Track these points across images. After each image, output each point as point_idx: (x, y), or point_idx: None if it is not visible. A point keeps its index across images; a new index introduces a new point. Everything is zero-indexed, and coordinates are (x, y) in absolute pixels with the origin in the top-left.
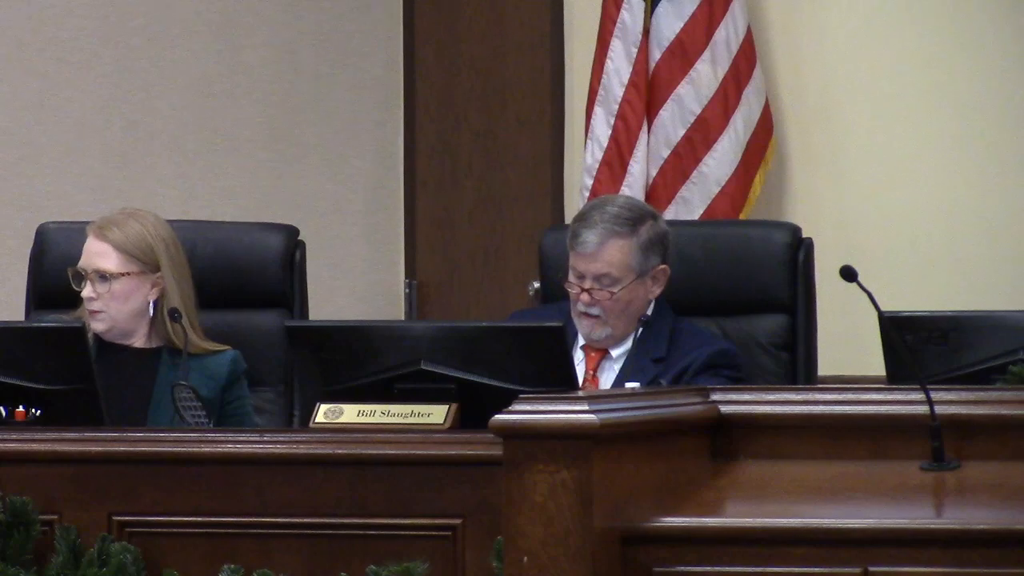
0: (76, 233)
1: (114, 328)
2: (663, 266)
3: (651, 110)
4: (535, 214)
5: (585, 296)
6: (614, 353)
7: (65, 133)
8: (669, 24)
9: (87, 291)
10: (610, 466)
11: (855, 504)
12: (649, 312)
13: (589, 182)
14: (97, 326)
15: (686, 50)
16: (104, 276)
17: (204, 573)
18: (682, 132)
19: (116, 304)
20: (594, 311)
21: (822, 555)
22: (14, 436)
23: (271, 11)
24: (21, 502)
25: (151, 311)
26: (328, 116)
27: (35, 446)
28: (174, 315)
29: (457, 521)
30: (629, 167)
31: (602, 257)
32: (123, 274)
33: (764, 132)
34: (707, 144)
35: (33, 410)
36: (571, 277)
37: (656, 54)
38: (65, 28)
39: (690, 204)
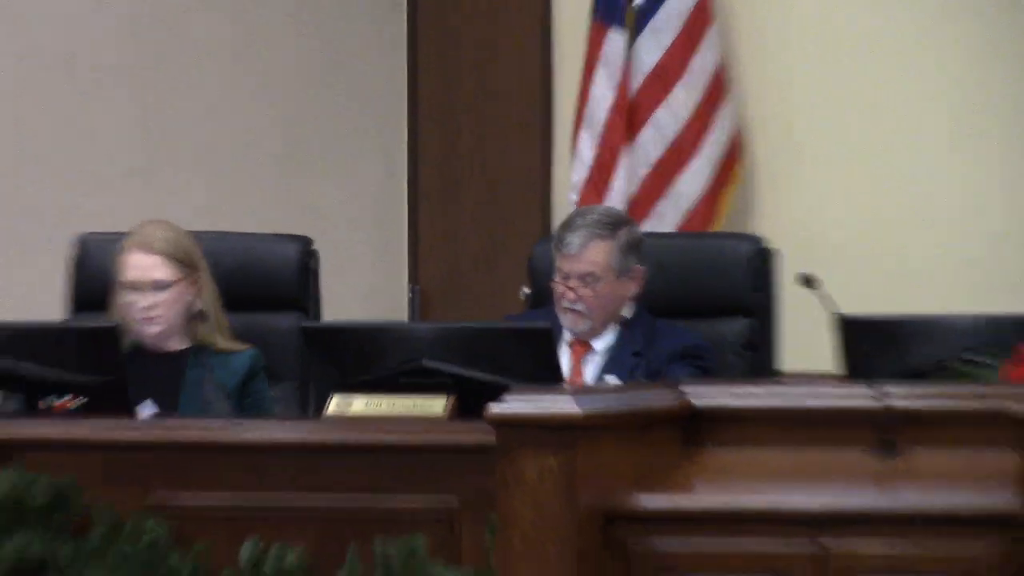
0: (111, 244)
1: (166, 330)
2: (639, 267)
3: (631, 132)
4: (526, 226)
5: (570, 293)
6: (597, 347)
7: (95, 150)
8: (649, 54)
9: (146, 301)
10: (592, 452)
11: (810, 487)
12: (629, 312)
13: (575, 198)
14: (153, 330)
15: (664, 78)
16: (160, 285)
17: (229, 548)
18: (659, 153)
19: (169, 309)
20: (578, 307)
21: (780, 532)
22: (57, 425)
23: (284, 40)
24: (63, 484)
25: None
26: (337, 136)
27: (75, 434)
28: (202, 316)
29: (455, 501)
30: (611, 184)
31: (585, 258)
32: (175, 281)
33: (733, 154)
34: (681, 164)
35: (73, 401)
36: (556, 277)
37: (636, 81)
38: (99, 54)
39: (665, 218)
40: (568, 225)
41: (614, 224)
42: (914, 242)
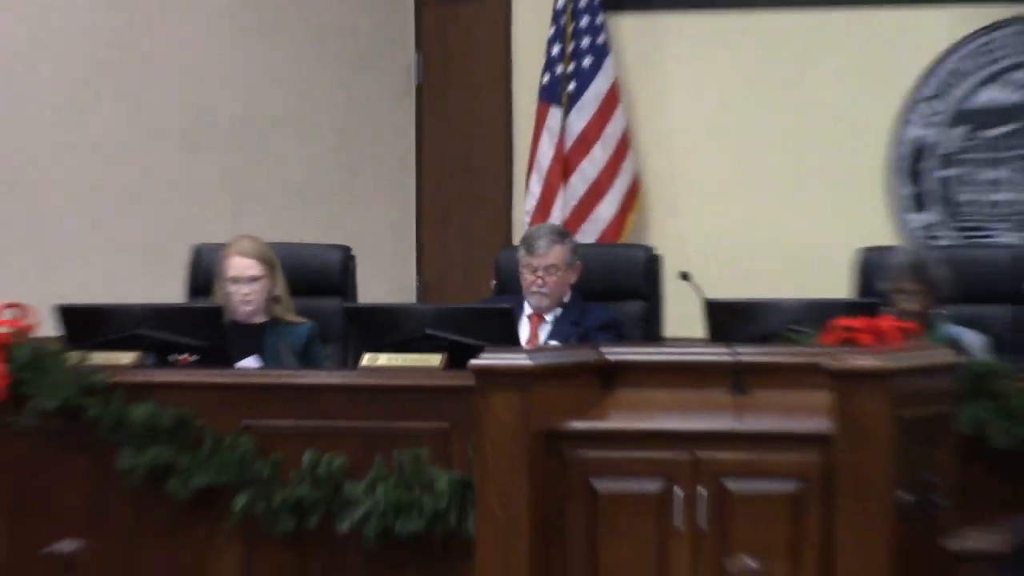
0: (217, 250)
1: (254, 309)
2: (579, 263)
3: (565, 177)
4: (495, 239)
5: (538, 281)
6: (548, 319)
7: (200, 173)
8: (577, 124)
9: (245, 289)
10: (539, 391)
11: (687, 415)
12: (568, 296)
13: (527, 220)
14: (247, 308)
15: (586, 140)
16: (253, 279)
17: (295, 456)
18: (583, 191)
19: (258, 295)
20: (543, 290)
21: (666, 446)
22: (179, 373)
23: (333, 116)
24: (183, 413)
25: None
26: (369, 178)
27: (191, 379)
28: (277, 299)
29: (447, 425)
30: (551, 212)
31: (549, 255)
32: (262, 276)
33: (633, 191)
34: (598, 198)
35: (190, 357)
36: (525, 271)
37: (568, 142)
38: (205, 112)
39: (587, 235)
40: (533, 235)
41: (564, 234)
42: (759, 250)
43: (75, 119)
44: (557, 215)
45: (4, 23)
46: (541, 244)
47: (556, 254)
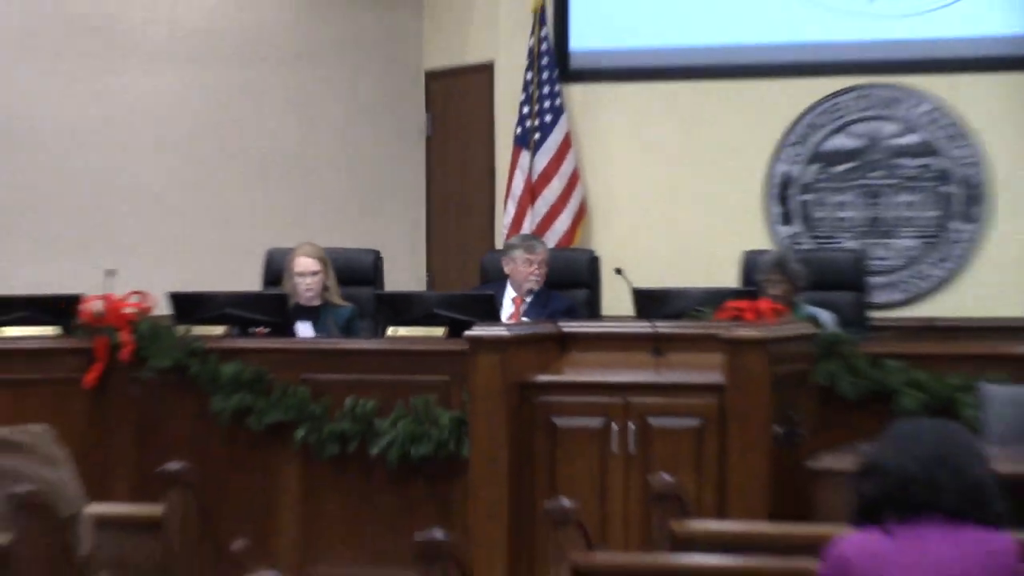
0: (284, 253)
1: (314, 296)
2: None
3: (532, 201)
4: (482, 246)
5: (535, 272)
6: (527, 300)
7: (271, 198)
8: (540, 163)
9: (307, 281)
10: (514, 354)
11: (621, 371)
12: (540, 285)
13: (505, 232)
14: (308, 295)
15: (548, 175)
16: (314, 274)
17: (339, 400)
18: (545, 211)
19: (317, 286)
20: (536, 278)
21: (606, 393)
22: (257, 341)
23: (354, 136)
24: (260, 369)
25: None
26: (392, 203)
27: (266, 345)
28: (328, 288)
29: (448, 378)
30: (522, 226)
31: (542, 255)
32: (319, 271)
33: (581, 211)
34: (556, 216)
35: (264, 330)
36: (524, 266)
37: (535, 176)
38: (274, 144)
39: (548, 243)
40: (526, 239)
41: (543, 241)
42: (672, 253)
43: (189, 159)
44: (527, 228)
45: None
46: (538, 247)
47: (544, 253)
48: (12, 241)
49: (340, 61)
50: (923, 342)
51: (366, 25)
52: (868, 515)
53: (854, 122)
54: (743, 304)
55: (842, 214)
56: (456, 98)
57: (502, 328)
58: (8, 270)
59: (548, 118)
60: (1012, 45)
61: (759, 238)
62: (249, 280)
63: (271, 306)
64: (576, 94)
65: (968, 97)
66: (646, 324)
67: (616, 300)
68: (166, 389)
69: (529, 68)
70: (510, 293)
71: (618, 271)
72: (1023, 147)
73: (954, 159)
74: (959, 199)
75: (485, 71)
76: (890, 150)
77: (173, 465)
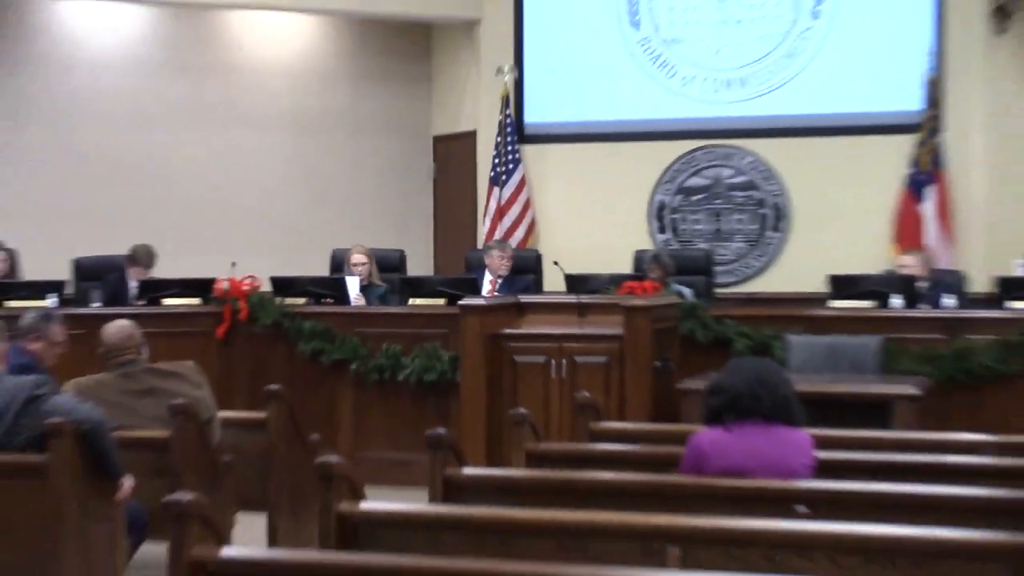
0: (343, 252)
1: (364, 279)
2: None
3: (500, 219)
4: (468, 247)
5: (506, 263)
6: (498, 284)
7: (332, 218)
8: (506, 196)
9: (359, 269)
10: (489, 316)
11: (557, 325)
12: (507, 272)
13: (483, 239)
14: (361, 277)
15: (512, 203)
16: (363, 264)
17: (378, 345)
18: (508, 226)
19: (365, 272)
20: (507, 265)
21: (547, 340)
22: (326, 307)
23: (384, 180)
24: (328, 325)
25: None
26: (410, 219)
27: (332, 310)
28: (371, 273)
29: (447, 331)
30: (494, 236)
31: (507, 252)
32: (367, 263)
33: (532, 226)
34: (516, 229)
35: (331, 300)
36: (499, 259)
37: (503, 203)
38: (333, 184)
39: (512, 245)
40: (499, 243)
41: (509, 244)
42: (592, 252)
43: (281, 191)
44: (497, 236)
45: (248, 144)
46: (507, 248)
47: (510, 252)
48: (172, 244)
49: (380, 129)
50: (748, 307)
51: (397, 108)
52: (714, 418)
53: (704, 168)
54: (634, 284)
55: (696, 227)
56: (452, 153)
57: (481, 299)
58: (168, 263)
59: (510, 166)
60: (806, 120)
61: (644, 242)
62: (320, 269)
63: (335, 286)
64: (528, 151)
65: (777, 153)
66: (573, 297)
67: (554, 282)
68: (268, 338)
69: (499, 134)
70: (488, 277)
71: (555, 263)
72: (810, 186)
73: (767, 192)
74: (770, 218)
75: (470, 136)
76: (727, 186)
77: (272, 387)
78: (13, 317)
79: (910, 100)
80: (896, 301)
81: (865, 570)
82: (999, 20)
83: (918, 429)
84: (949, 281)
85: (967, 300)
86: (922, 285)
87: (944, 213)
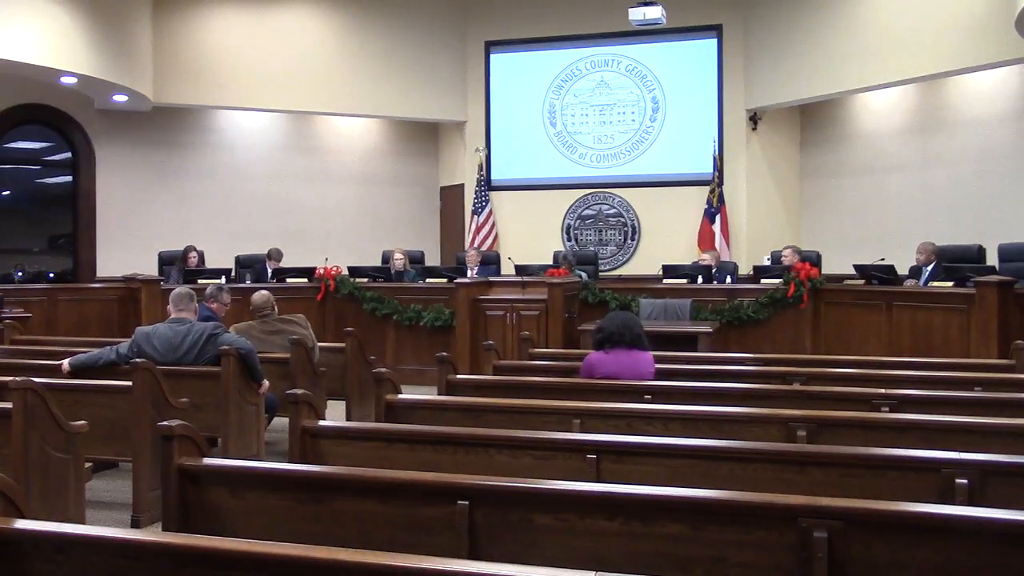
0: (389, 252)
1: (402, 268)
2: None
3: (478, 234)
4: (458, 249)
5: (477, 258)
6: (475, 270)
7: (380, 232)
8: (479, 219)
9: (399, 263)
10: (471, 289)
11: (510, 295)
12: (479, 264)
13: (467, 244)
14: (399, 267)
15: (483, 225)
16: (401, 259)
17: (408, 304)
18: (480, 239)
19: (401, 264)
20: (477, 260)
21: (504, 304)
22: (380, 284)
23: (408, 209)
24: (380, 294)
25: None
26: (426, 234)
27: (384, 285)
28: (406, 263)
29: (448, 297)
30: (474, 245)
31: (479, 254)
32: (403, 258)
33: (496, 237)
34: (485, 240)
35: (381, 279)
36: (472, 257)
37: (477, 226)
38: (376, 206)
39: (483, 248)
40: (474, 248)
41: (480, 249)
42: (528, 252)
43: (348, 220)
44: (475, 245)
45: (330, 189)
46: (478, 251)
47: (479, 253)
48: (291, 247)
49: (409, 183)
50: (617, 283)
51: (419, 170)
52: (598, 346)
53: (592, 205)
54: (553, 271)
55: (588, 238)
56: (450, 196)
57: (467, 279)
58: (290, 258)
59: (483, 203)
60: (649, 177)
61: (559, 246)
62: (375, 261)
63: (383, 271)
64: (494, 195)
65: (633, 196)
66: (519, 277)
67: (508, 269)
68: (346, 301)
69: (476, 185)
70: (469, 267)
71: (509, 258)
72: (652, 215)
73: (628, 218)
74: (629, 233)
75: (460, 187)
76: (605, 215)
77: (349, 329)
78: (202, 289)
79: (705, 166)
80: (700, 280)
81: (683, 430)
82: (752, 122)
83: (712, 351)
84: (728, 268)
85: (738, 279)
86: (714, 270)
87: (725, 230)
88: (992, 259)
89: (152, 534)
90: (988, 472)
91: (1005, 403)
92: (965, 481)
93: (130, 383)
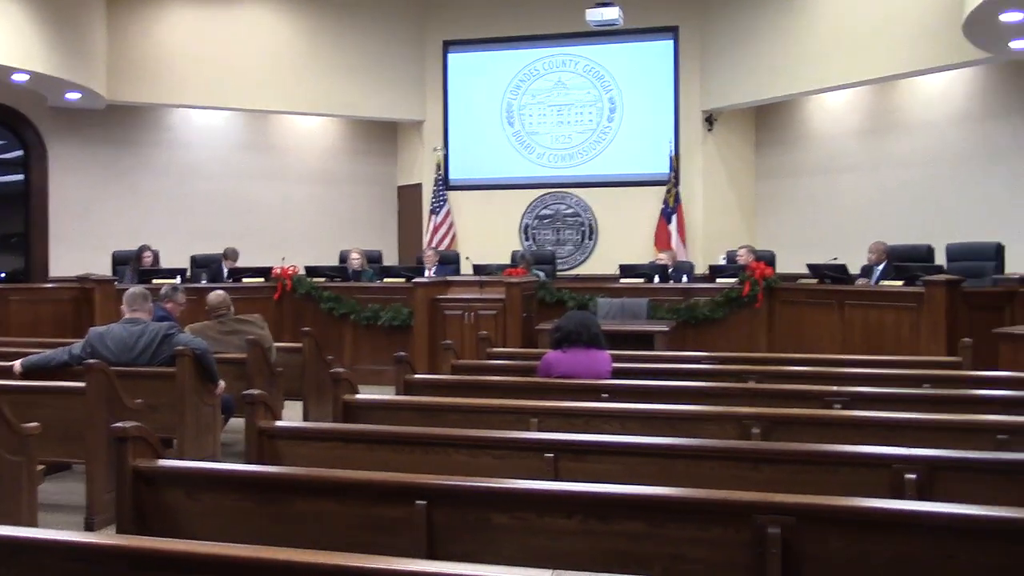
0: (347, 252)
1: (359, 268)
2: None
3: (435, 234)
4: (417, 249)
5: (434, 257)
6: (433, 270)
7: (337, 230)
8: (437, 220)
9: (356, 262)
10: (429, 288)
11: (468, 293)
12: (436, 263)
13: (425, 244)
14: (356, 267)
15: (441, 224)
16: (358, 259)
17: (366, 304)
18: (439, 238)
19: (358, 263)
20: (435, 260)
21: (461, 303)
22: (337, 284)
23: (371, 208)
24: (339, 294)
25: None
26: (384, 232)
27: (340, 284)
28: (363, 263)
29: (407, 297)
30: (432, 244)
31: (437, 253)
32: (360, 257)
33: (454, 237)
34: (444, 239)
35: (338, 279)
36: (430, 257)
37: (434, 227)
38: (336, 202)
39: (441, 248)
40: (432, 248)
41: (438, 249)
42: (487, 251)
43: (313, 222)
44: (433, 244)
45: (288, 187)
46: (435, 251)
47: (436, 252)
48: (248, 247)
49: (368, 182)
50: (575, 283)
51: (377, 170)
52: (555, 345)
53: (550, 205)
54: (511, 270)
55: (546, 237)
56: (408, 197)
57: (425, 279)
58: (246, 258)
59: (441, 203)
60: (606, 178)
61: (516, 245)
62: (333, 261)
63: (341, 271)
64: (451, 194)
65: (591, 196)
66: (477, 277)
67: (466, 268)
68: (303, 301)
69: (434, 185)
70: (427, 266)
71: (467, 258)
72: (609, 214)
73: (585, 218)
74: (587, 232)
75: (418, 186)
76: (563, 215)
77: (306, 329)
78: (157, 289)
79: (662, 166)
80: (656, 279)
81: (640, 428)
82: (708, 123)
83: (668, 350)
84: (685, 268)
85: (694, 278)
86: (670, 270)
87: (682, 230)
88: (940, 258)
89: (106, 537)
90: (936, 467)
91: (953, 400)
92: (914, 476)
93: (84, 384)
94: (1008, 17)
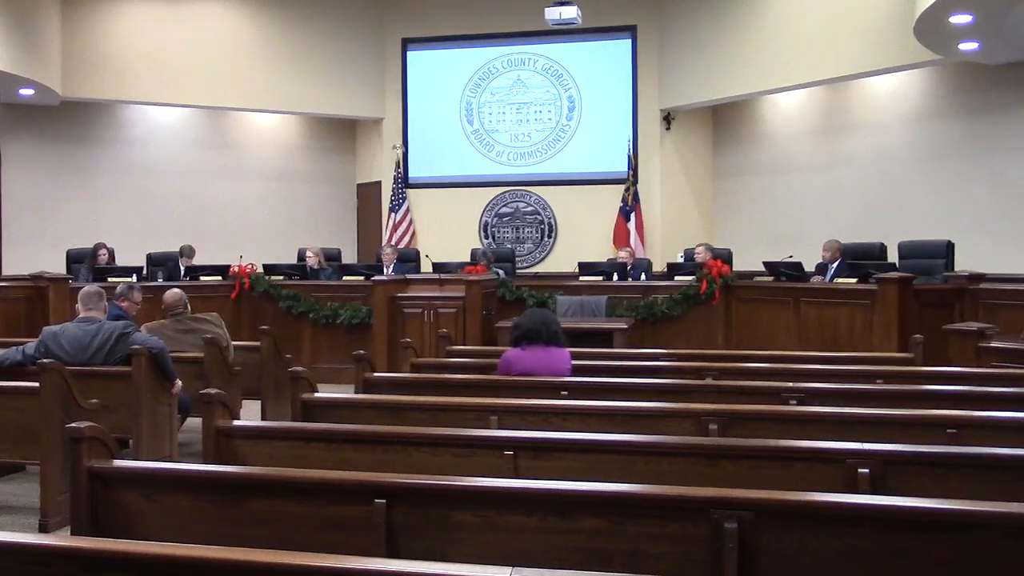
0: (304, 250)
1: (316, 267)
2: (398, 252)
3: (394, 233)
4: (376, 247)
5: (394, 256)
6: (392, 268)
7: (295, 227)
8: (397, 218)
9: (312, 261)
10: (388, 286)
11: (430, 292)
12: (394, 261)
13: (384, 242)
14: (314, 265)
15: (401, 222)
16: (316, 255)
17: (326, 302)
18: (397, 239)
19: (316, 261)
20: (394, 259)
21: (422, 301)
22: (295, 282)
23: (330, 207)
24: (296, 292)
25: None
26: (343, 230)
27: (298, 283)
28: (321, 262)
29: (366, 295)
30: (391, 242)
31: (396, 251)
32: (318, 255)
33: (415, 235)
34: (403, 238)
35: (297, 277)
36: (388, 256)
37: (396, 222)
38: (308, 204)
39: (400, 246)
40: (391, 245)
41: (396, 246)
42: (444, 250)
43: (271, 217)
44: (392, 242)
45: (243, 185)
46: (393, 248)
47: (395, 250)
48: (204, 245)
49: (326, 180)
50: (534, 280)
51: (336, 167)
52: (515, 343)
53: (509, 203)
54: (471, 268)
55: (506, 235)
56: (367, 193)
57: (384, 276)
58: (203, 256)
59: (400, 201)
60: (565, 176)
61: (476, 243)
62: (291, 259)
63: (300, 269)
64: (411, 192)
65: (550, 194)
66: (437, 275)
67: (426, 266)
68: (261, 299)
69: (393, 183)
70: (386, 265)
71: (427, 256)
72: (568, 213)
73: (545, 216)
74: (546, 230)
75: (378, 184)
76: (522, 213)
77: (264, 327)
78: (112, 287)
79: (620, 164)
80: (615, 276)
81: (599, 425)
82: (666, 122)
83: (627, 347)
84: (643, 266)
85: (652, 276)
86: (629, 267)
87: (640, 227)
88: (893, 256)
89: (61, 539)
90: (889, 462)
91: (905, 395)
92: (867, 470)
93: (37, 384)
94: (957, 19)
